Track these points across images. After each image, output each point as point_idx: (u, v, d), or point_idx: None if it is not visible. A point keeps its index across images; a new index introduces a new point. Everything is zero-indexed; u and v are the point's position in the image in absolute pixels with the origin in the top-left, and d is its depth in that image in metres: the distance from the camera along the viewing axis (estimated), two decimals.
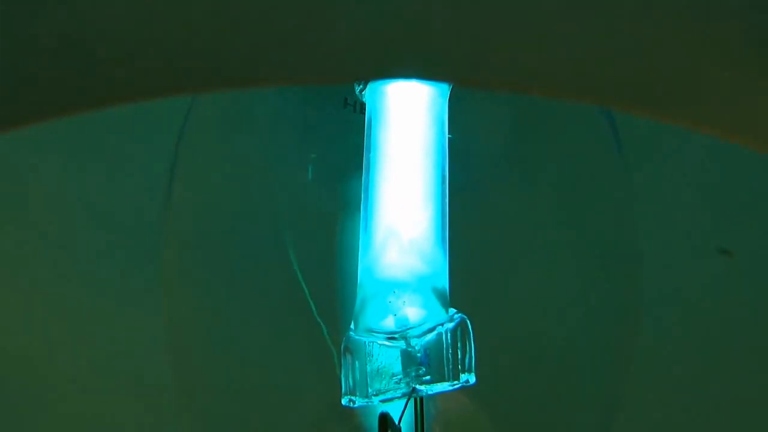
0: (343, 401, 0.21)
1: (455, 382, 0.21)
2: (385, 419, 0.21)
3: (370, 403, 0.21)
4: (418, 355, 0.21)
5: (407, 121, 0.23)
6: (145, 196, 0.25)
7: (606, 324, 0.26)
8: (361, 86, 0.23)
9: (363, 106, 0.25)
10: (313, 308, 0.22)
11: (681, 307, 0.28)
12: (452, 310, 0.22)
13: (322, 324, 0.22)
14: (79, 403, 0.27)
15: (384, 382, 0.21)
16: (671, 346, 0.28)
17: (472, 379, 0.21)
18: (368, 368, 0.21)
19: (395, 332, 0.21)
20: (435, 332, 0.21)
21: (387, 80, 0.22)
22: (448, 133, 0.22)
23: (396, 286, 0.21)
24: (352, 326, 0.22)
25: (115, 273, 0.27)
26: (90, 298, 0.27)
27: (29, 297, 0.27)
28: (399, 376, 0.21)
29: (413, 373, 0.21)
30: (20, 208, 0.26)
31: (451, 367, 0.21)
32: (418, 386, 0.21)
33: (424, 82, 0.21)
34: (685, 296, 0.28)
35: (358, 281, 0.22)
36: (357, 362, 0.21)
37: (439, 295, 0.22)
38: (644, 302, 0.26)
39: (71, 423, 0.28)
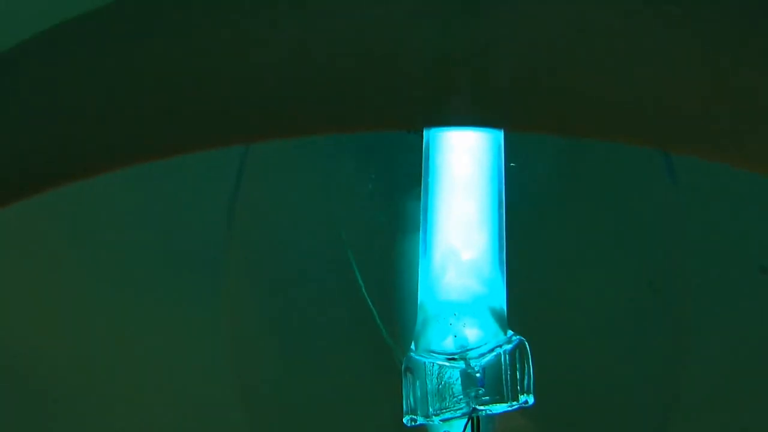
0: (405, 420, 0.22)
1: (513, 402, 0.22)
2: None
3: (430, 422, 0.22)
4: (478, 375, 0.22)
5: (465, 145, 0.23)
6: (209, 217, 0.26)
7: (655, 344, 0.26)
8: None
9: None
10: (383, 329, 0.23)
11: (729, 329, 0.28)
12: (510, 332, 0.22)
13: (391, 343, 0.23)
14: (135, 415, 0.28)
15: (444, 401, 0.22)
16: (719, 367, 0.28)
17: (531, 399, 0.22)
18: (429, 388, 0.22)
19: (455, 353, 0.22)
20: (494, 353, 0.22)
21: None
22: (509, 161, 0.23)
23: (456, 308, 0.22)
24: (412, 346, 0.22)
25: (177, 293, 0.27)
26: (152, 317, 0.28)
27: (89, 309, 0.28)
28: (459, 396, 0.22)
29: (472, 394, 0.22)
30: (83, 222, 0.27)
31: (509, 387, 0.22)
32: (477, 406, 0.22)
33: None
34: (733, 317, 0.28)
35: (419, 302, 0.22)
36: (418, 382, 0.22)
37: (497, 316, 0.22)
38: (693, 323, 0.26)
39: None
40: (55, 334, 0.27)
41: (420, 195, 0.23)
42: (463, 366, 0.22)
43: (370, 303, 0.23)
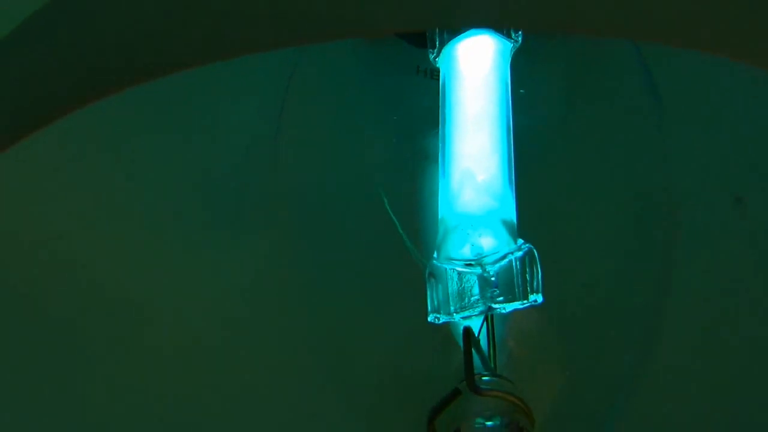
0: (429, 318, 0.25)
1: (525, 301, 0.25)
2: (468, 332, 0.25)
3: (452, 320, 0.25)
4: (492, 279, 0.25)
5: (476, 81, 0.26)
6: (248, 155, 0.29)
7: (644, 259, 0.29)
8: (434, 53, 0.27)
9: (432, 72, 0.28)
10: (406, 241, 0.26)
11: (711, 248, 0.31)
12: (520, 241, 0.25)
13: (414, 251, 0.26)
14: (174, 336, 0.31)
15: (463, 302, 0.25)
16: (703, 281, 0.31)
17: (540, 299, 0.25)
18: (449, 290, 0.25)
19: (472, 260, 0.25)
20: (506, 259, 0.25)
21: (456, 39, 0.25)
22: (519, 89, 0.26)
23: (472, 221, 0.25)
24: (435, 255, 0.25)
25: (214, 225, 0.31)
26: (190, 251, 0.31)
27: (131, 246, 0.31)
28: (476, 297, 0.25)
29: (488, 294, 0.25)
30: (125, 164, 0.30)
31: (520, 288, 0.25)
32: (492, 305, 0.25)
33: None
34: (716, 238, 0.31)
35: (439, 217, 0.25)
36: (440, 285, 0.25)
37: (509, 227, 0.25)
38: (679, 242, 0.29)
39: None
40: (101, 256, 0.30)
41: (438, 131, 0.26)
42: (480, 271, 0.25)
43: (393, 218, 0.26)
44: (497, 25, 0.23)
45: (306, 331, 0.28)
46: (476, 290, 0.25)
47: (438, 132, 0.26)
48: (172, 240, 0.30)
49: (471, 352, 0.26)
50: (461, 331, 0.26)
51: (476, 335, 0.25)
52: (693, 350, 0.29)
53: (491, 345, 0.26)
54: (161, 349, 0.31)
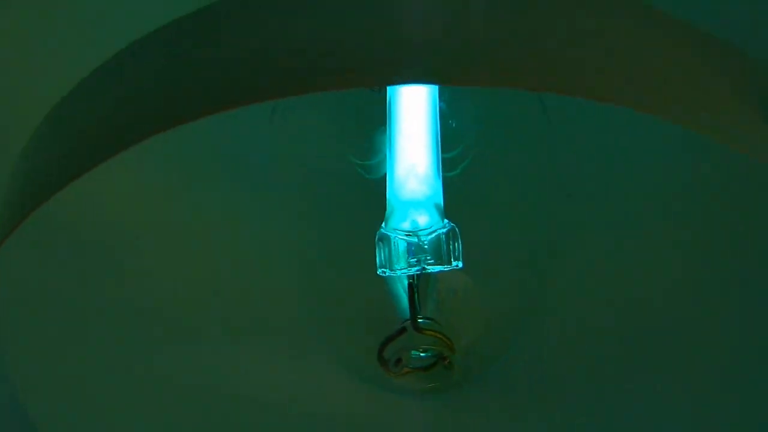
0: (378, 272, 0.34)
1: (448, 265, 0.34)
2: (411, 286, 0.34)
3: (394, 275, 0.34)
4: (425, 246, 0.34)
5: (414, 97, 0.35)
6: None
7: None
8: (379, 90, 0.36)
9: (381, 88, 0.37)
10: None
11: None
12: (446, 221, 0.34)
13: None
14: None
15: (403, 262, 0.34)
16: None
17: (460, 264, 0.34)
18: (392, 253, 0.34)
19: (411, 231, 0.34)
20: (436, 233, 0.34)
21: None
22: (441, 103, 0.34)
23: (412, 203, 0.34)
24: (383, 225, 0.34)
25: None
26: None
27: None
28: (413, 259, 0.34)
29: (422, 258, 0.34)
30: None
31: (446, 256, 0.34)
32: (425, 266, 0.34)
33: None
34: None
35: (387, 198, 0.34)
36: (386, 248, 0.34)
37: (438, 210, 0.34)
38: None
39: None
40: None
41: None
42: (416, 240, 0.34)
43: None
44: (425, 82, 0.31)
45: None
46: (413, 254, 0.34)
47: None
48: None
49: (414, 301, 0.36)
50: (405, 284, 0.35)
51: (416, 289, 0.34)
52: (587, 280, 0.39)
53: (423, 296, 0.35)
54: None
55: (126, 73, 0.27)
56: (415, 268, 0.34)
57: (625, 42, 0.24)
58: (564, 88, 0.22)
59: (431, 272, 0.34)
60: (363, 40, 0.23)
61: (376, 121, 0.36)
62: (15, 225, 0.24)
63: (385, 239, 0.34)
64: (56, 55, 0.38)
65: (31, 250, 0.34)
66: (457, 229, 0.34)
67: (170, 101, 0.23)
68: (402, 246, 0.34)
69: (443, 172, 0.34)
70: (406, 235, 0.34)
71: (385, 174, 0.34)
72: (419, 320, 0.36)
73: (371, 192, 0.36)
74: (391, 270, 0.34)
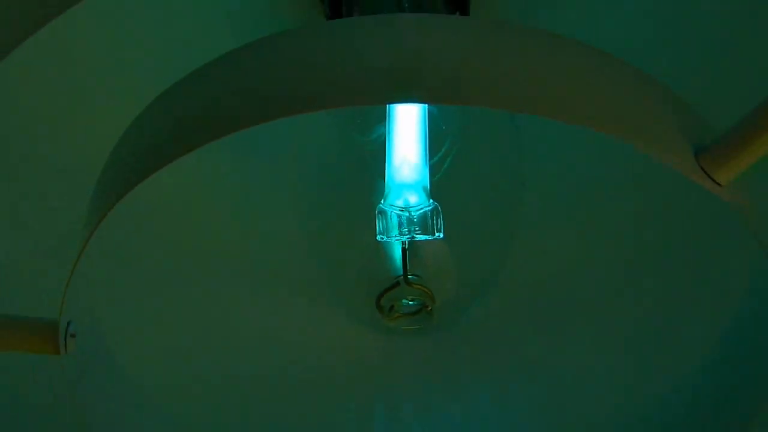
0: (377, 238, 0.44)
1: (432, 235, 0.44)
2: (404, 249, 0.44)
3: (390, 241, 0.44)
4: (415, 220, 0.44)
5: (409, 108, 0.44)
6: None
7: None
8: None
9: None
10: None
11: None
12: (432, 200, 0.44)
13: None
14: None
15: (396, 231, 0.44)
16: None
17: (441, 235, 0.44)
18: (389, 224, 0.44)
19: (403, 207, 0.44)
20: (423, 210, 0.44)
21: None
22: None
23: (405, 186, 0.44)
24: (382, 201, 0.44)
25: None
26: None
27: None
28: (405, 229, 0.44)
29: (412, 229, 0.44)
30: None
31: (430, 228, 0.44)
32: (414, 235, 0.44)
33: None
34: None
35: (386, 182, 0.44)
36: (384, 220, 0.44)
37: (426, 191, 0.44)
38: None
39: None
40: None
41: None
42: (407, 214, 0.44)
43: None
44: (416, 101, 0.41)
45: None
46: (405, 225, 0.44)
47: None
48: None
49: (405, 262, 0.46)
50: (399, 248, 0.45)
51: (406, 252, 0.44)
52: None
53: (412, 258, 0.45)
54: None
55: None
56: (406, 237, 0.44)
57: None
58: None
59: (418, 240, 0.44)
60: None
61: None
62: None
63: (383, 213, 0.44)
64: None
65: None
66: (439, 208, 0.44)
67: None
68: (396, 219, 0.44)
69: (429, 161, 0.44)
70: (400, 210, 0.44)
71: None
72: (409, 277, 0.46)
73: (373, 173, 0.46)
74: (388, 237, 0.44)
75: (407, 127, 0.43)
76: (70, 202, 0.43)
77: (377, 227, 0.44)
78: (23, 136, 0.48)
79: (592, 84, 0.30)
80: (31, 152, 0.48)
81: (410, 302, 0.47)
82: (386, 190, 0.44)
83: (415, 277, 0.47)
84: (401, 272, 0.46)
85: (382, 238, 0.44)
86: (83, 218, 0.34)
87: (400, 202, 0.44)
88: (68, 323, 0.35)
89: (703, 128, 0.32)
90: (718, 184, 0.29)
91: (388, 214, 0.44)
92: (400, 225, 0.44)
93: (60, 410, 0.46)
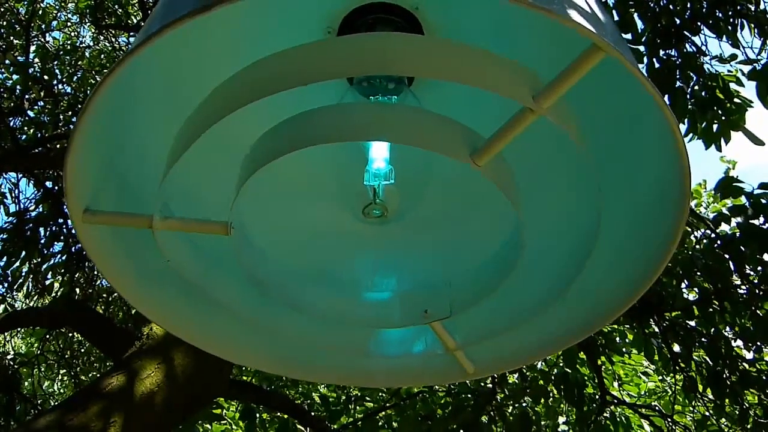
0: (364, 183, 0.99)
1: (392, 180, 0.99)
2: (374, 189, 1.00)
3: (370, 184, 0.99)
4: (382, 174, 0.99)
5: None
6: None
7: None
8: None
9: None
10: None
11: None
12: (390, 166, 0.98)
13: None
14: None
15: (376, 180, 0.99)
16: None
17: (392, 181, 0.99)
18: (371, 177, 0.99)
19: (379, 171, 0.99)
20: (388, 169, 0.99)
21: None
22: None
23: (378, 170, 0.99)
24: (367, 167, 0.99)
25: None
26: None
27: None
28: (376, 179, 0.99)
29: (381, 176, 0.99)
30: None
31: (390, 175, 0.99)
32: (381, 183, 0.99)
33: None
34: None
35: (366, 168, 0.99)
36: (366, 175, 0.99)
37: (390, 173, 0.99)
38: None
39: None
40: None
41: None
42: (382, 174, 0.99)
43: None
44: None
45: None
46: (381, 177, 0.99)
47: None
48: None
49: (376, 193, 1.01)
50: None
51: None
52: None
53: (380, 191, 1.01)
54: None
55: None
56: (380, 181, 0.99)
57: None
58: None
59: (383, 185, 0.99)
60: None
61: None
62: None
63: (365, 186, 0.98)
64: None
65: None
66: (393, 171, 0.98)
67: None
68: (374, 175, 0.98)
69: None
70: (375, 186, 0.99)
71: None
72: (377, 201, 1.01)
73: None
74: (368, 183, 0.99)
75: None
76: None
77: (365, 177, 0.98)
78: None
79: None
80: None
81: (376, 211, 1.02)
82: (365, 172, 0.98)
83: (380, 200, 1.02)
84: (373, 198, 1.01)
85: (368, 182, 0.99)
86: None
87: (376, 166, 0.98)
88: (230, 222, 0.91)
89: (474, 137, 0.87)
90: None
91: (368, 187, 0.98)
92: (376, 177, 0.98)
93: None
